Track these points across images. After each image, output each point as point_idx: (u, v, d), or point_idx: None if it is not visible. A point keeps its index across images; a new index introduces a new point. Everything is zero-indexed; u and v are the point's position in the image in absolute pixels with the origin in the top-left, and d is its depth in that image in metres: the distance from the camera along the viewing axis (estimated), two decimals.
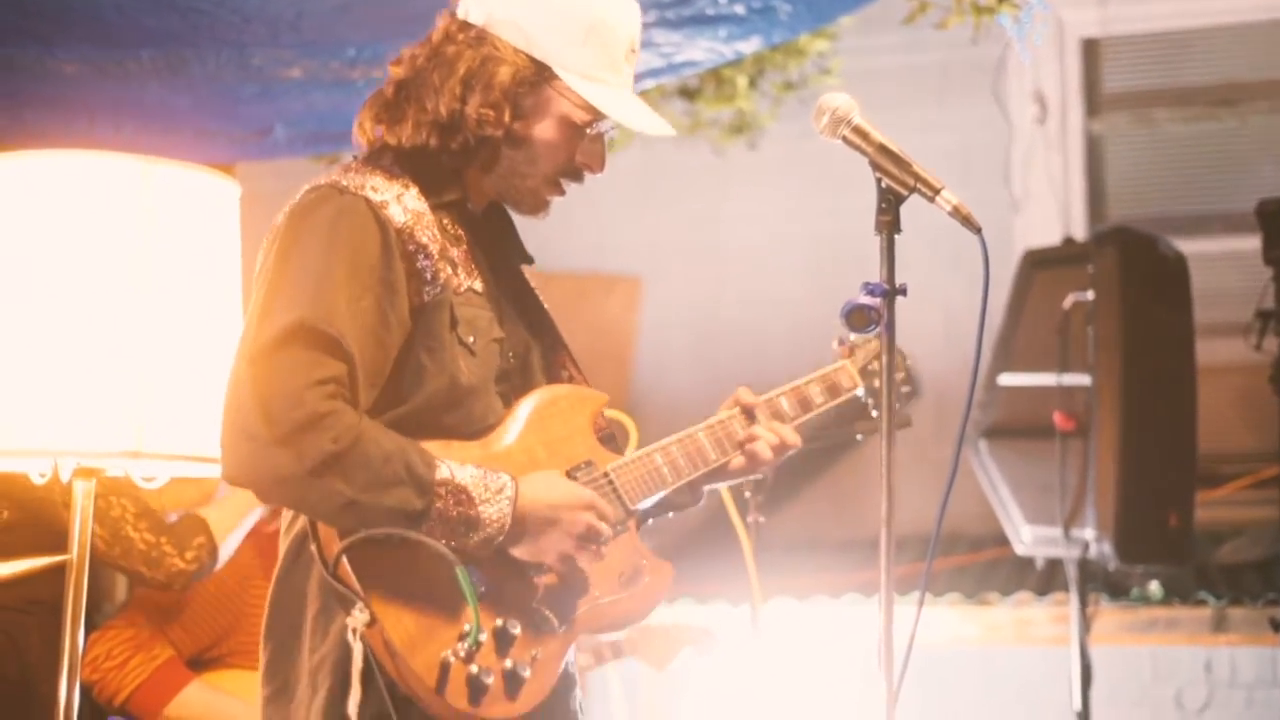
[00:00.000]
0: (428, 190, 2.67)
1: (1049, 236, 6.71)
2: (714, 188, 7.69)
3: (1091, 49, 7.50)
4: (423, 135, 2.68)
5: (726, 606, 6.20)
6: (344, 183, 2.60)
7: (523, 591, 2.60)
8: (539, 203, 2.77)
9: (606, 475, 2.74)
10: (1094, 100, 7.50)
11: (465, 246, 2.71)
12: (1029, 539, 5.43)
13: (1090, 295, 5.20)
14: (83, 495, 2.86)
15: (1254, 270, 5.19)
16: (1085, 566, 5.27)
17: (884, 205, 2.56)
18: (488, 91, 2.65)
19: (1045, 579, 6.24)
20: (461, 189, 2.74)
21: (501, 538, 2.52)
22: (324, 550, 2.50)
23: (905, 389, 3.29)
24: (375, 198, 2.59)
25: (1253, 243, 5.12)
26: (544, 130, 2.71)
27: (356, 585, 2.45)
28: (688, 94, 6.81)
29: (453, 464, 2.51)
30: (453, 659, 2.47)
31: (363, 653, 2.44)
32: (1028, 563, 6.18)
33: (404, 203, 2.61)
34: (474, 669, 2.48)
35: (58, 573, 2.92)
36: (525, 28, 2.68)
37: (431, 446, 2.54)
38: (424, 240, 2.60)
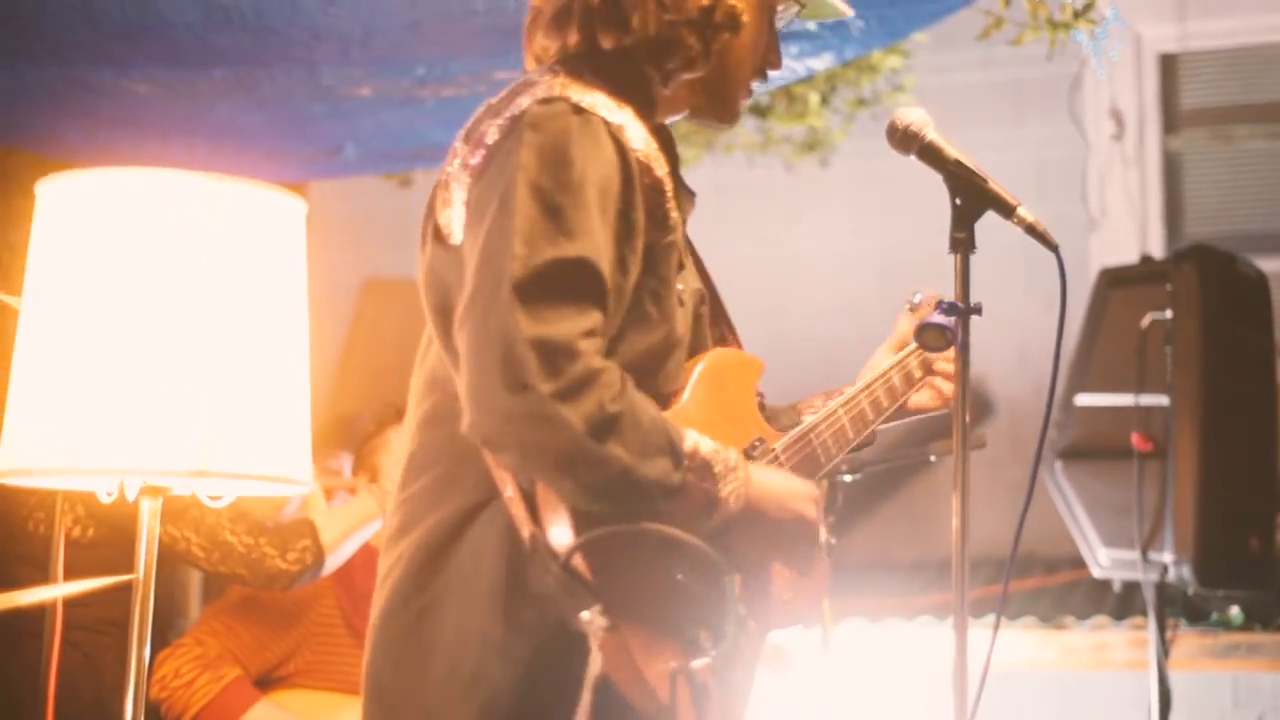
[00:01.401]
0: (641, 110, 2.38)
1: (1126, 254, 6.62)
2: (786, 205, 7.65)
3: (1169, 65, 7.42)
4: (667, 36, 2.41)
5: (799, 627, 6.15)
6: (575, 99, 2.28)
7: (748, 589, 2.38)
8: (738, 108, 2.56)
9: (776, 458, 2.53)
10: (1172, 117, 7.41)
11: (672, 179, 2.43)
12: (1106, 562, 5.35)
13: (1168, 314, 5.12)
14: (149, 514, 2.85)
15: None
16: (1164, 590, 5.18)
17: (959, 223, 2.52)
18: None
19: (1123, 602, 6.15)
20: (654, 106, 2.47)
21: (728, 523, 2.29)
22: (544, 537, 2.19)
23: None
24: (613, 120, 2.29)
25: None
26: (753, 20, 2.52)
27: (594, 581, 2.17)
28: (759, 111, 6.78)
29: (694, 432, 2.25)
30: (679, 669, 2.20)
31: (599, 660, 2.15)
32: (1105, 586, 6.10)
33: (635, 129, 2.33)
34: (698, 680, 2.21)
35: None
36: None
37: None
38: (660, 175, 2.35)
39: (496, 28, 4.45)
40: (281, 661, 4.15)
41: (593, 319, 2.17)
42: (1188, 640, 5.89)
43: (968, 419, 2.49)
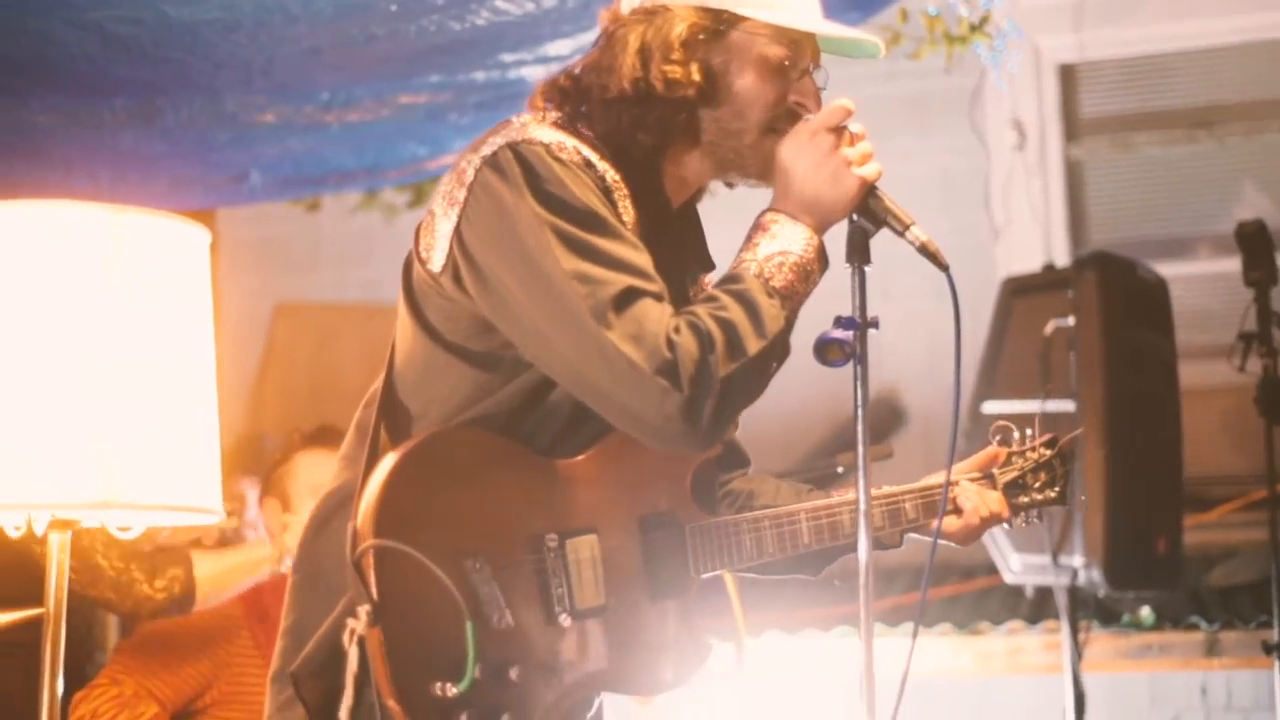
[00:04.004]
0: (635, 177, 2.57)
1: (1031, 262, 6.70)
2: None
3: (1068, 74, 7.51)
4: (613, 115, 2.56)
5: (714, 641, 6.16)
6: (541, 138, 2.49)
7: (542, 640, 2.46)
8: (765, 159, 2.59)
9: (683, 534, 2.62)
10: (1072, 125, 7.51)
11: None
12: (1018, 567, 5.41)
13: (1071, 321, 5.19)
14: (58, 548, 2.84)
15: (1237, 292, 5.18)
16: (1075, 594, 5.24)
17: (854, 239, 2.56)
18: (666, 50, 2.53)
19: (1037, 607, 6.22)
20: (658, 178, 2.63)
21: (809, 235, 2.51)
22: (357, 532, 2.35)
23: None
24: (579, 155, 2.49)
25: (1234, 264, 5.12)
26: (744, 79, 2.57)
27: (373, 586, 2.31)
28: None
29: (739, 266, 2.48)
30: (438, 692, 2.31)
31: (358, 658, 2.31)
32: (1019, 591, 6.16)
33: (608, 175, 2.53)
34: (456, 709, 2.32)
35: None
36: None
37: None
38: (616, 182, 2.53)
39: (398, 53, 4.46)
40: (199, 692, 4.12)
41: (658, 304, 2.39)
42: (1101, 642, 5.96)
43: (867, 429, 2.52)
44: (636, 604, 2.57)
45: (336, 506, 2.56)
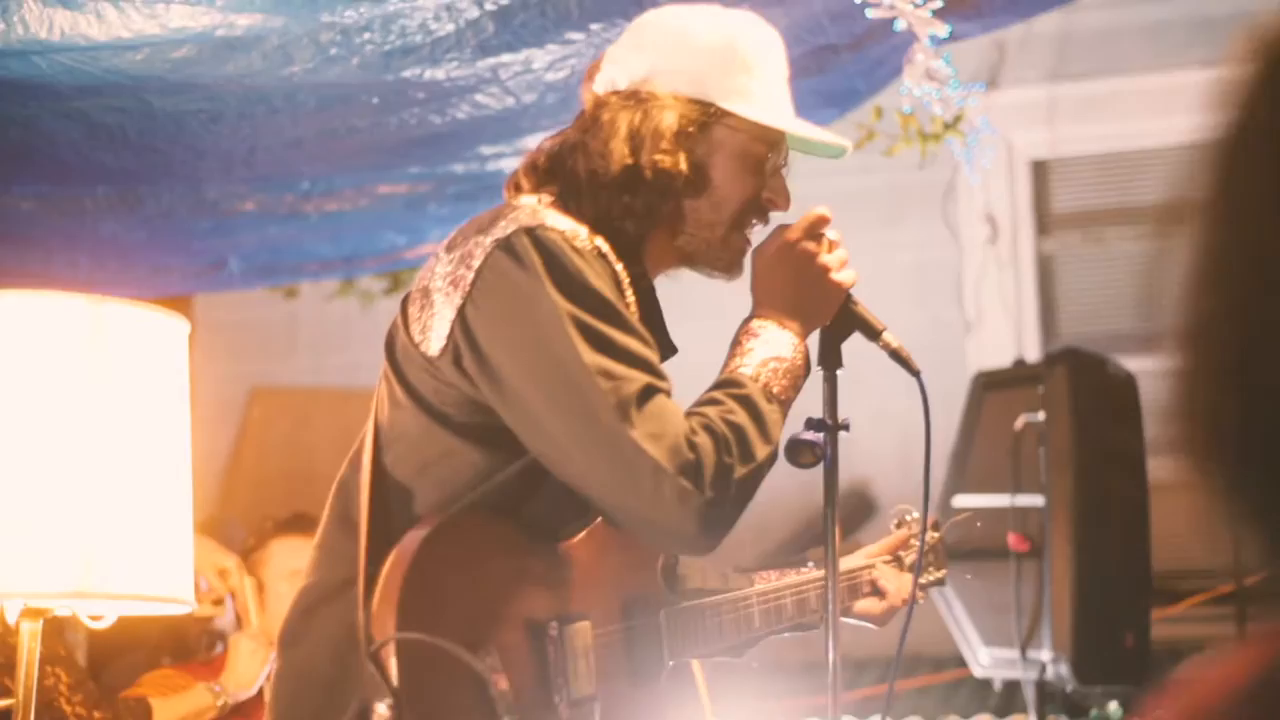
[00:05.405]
0: (621, 252, 2.54)
1: (1003, 356, 6.76)
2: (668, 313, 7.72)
3: (1041, 170, 7.60)
4: (603, 200, 2.54)
5: None
6: (557, 225, 2.45)
7: None
8: (734, 254, 2.65)
9: (658, 619, 2.60)
10: (1044, 220, 7.59)
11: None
12: (986, 660, 5.43)
13: (1041, 416, 5.24)
14: (29, 636, 2.85)
15: None
16: (1043, 688, 5.26)
17: (826, 342, 2.60)
18: (657, 139, 2.52)
19: (1005, 700, 6.22)
20: (641, 261, 2.61)
21: (797, 342, 2.54)
22: (375, 622, 2.27)
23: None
24: (592, 243, 2.46)
25: None
26: (723, 171, 2.58)
27: (393, 677, 2.22)
28: None
29: (738, 371, 2.50)
30: None
31: None
32: (988, 684, 6.16)
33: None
34: None
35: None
36: (677, 75, 2.57)
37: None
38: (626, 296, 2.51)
39: (379, 144, 4.51)
40: None
41: (671, 402, 2.39)
42: None
43: (838, 527, 2.56)
44: (619, 692, 2.52)
45: (318, 602, 2.49)
